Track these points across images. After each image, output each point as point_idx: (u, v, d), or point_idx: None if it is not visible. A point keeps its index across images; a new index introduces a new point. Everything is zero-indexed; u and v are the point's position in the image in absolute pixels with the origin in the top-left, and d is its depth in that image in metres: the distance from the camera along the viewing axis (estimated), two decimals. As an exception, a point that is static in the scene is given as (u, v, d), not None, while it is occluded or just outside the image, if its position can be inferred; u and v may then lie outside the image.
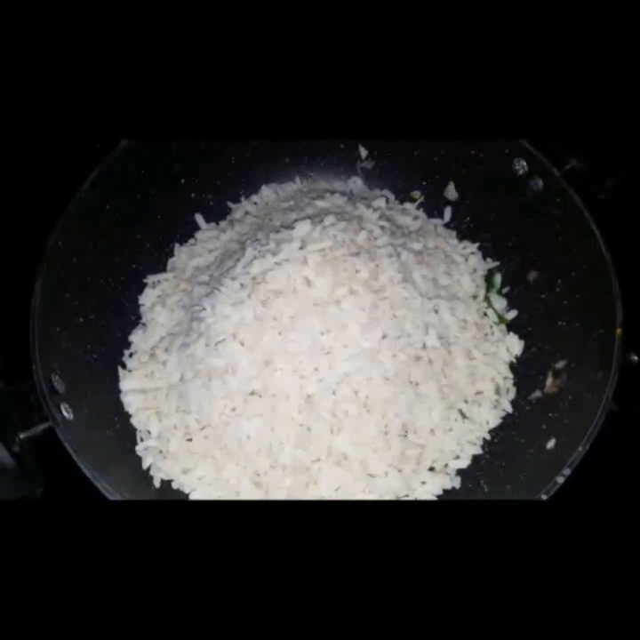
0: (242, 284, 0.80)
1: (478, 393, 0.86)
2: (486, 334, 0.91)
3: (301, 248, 0.80)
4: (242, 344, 0.76)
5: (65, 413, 0.70)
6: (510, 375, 0.89)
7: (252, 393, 0.76)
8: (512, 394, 0.88)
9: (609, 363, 0.73)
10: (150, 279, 0.93)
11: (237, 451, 0.75)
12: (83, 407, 0.76)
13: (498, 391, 0.87)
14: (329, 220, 0.84)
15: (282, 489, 0.74)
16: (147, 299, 0.92)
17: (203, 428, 0.78)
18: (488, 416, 0.85)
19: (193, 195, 0.98)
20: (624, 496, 0.83)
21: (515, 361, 0.90)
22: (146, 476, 0.78)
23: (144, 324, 0.91)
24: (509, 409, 0.86)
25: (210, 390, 0.76)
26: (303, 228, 0.82)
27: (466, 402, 0.85)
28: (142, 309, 0.92)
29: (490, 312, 0.93)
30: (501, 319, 0.93)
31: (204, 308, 0.80)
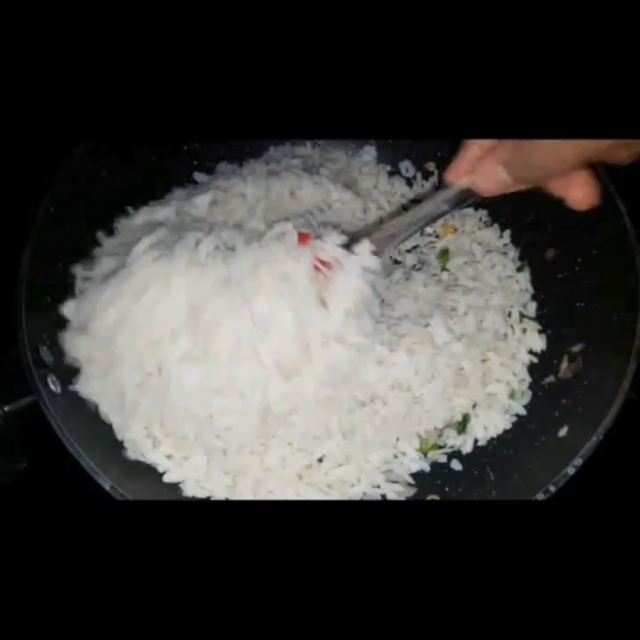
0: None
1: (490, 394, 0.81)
2: (506, 334, 0.84)
3: None
4: None
5: (52, 386, 0.67)
6: (528, 378, 0.82)
7: None
8: (527, 398, 0.81)
9: (628, 348, 0.69)
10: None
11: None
12: (72, 381, 0.73)
13: (512, 395, 0.81)
14: None
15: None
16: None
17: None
18: (497, 420, 0.80)
19: (195, 162, 0.94)
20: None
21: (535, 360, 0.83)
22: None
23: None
24: (522, 411, 0.80)
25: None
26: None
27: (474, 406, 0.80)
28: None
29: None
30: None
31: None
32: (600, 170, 0.77)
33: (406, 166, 0.98)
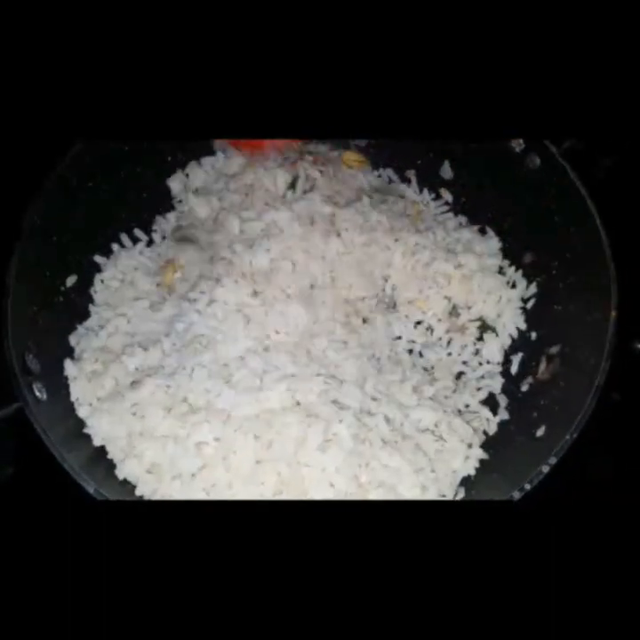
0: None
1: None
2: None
3: None
4: None
5: (37, 393, 0.69)
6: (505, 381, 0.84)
7: None
8: (506, 400, 0.83)
9: (602, 347, 0.70)
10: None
11: None
12: (60, 387, 0.75)
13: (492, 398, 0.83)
14: None
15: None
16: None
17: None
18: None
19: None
20: (626, 482, 0.80)
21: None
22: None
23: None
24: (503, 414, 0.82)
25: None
26: None
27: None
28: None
29: None
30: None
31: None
32: (572, 174, 0.80)
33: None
